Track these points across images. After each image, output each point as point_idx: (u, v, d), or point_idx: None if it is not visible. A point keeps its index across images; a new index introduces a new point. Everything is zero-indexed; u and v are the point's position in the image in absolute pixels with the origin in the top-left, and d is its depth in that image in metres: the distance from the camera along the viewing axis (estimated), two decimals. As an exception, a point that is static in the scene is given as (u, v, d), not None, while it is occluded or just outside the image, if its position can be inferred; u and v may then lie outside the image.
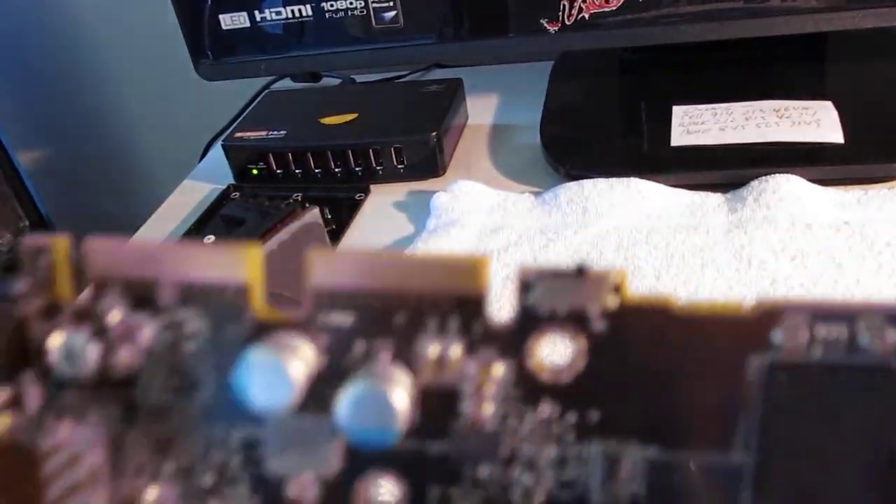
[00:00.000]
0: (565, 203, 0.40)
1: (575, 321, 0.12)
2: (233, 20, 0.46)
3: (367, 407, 0.12)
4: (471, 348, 0.12)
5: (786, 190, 0.37)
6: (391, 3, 0.44)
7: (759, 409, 0.12)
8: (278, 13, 0.46)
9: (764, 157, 0.40)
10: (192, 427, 0.13)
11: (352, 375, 0.12)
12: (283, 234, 0.33)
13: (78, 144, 0.84)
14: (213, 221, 0.46)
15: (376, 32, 0.45)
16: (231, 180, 0.50)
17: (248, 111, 0.55)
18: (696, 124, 0.43)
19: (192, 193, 0.51)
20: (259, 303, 0.12)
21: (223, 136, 0.51)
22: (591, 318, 0.12)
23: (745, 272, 0.34)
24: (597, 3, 0.41)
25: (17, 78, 0.80)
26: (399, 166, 0.47)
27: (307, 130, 0.50)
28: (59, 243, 0.12)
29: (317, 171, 0.48)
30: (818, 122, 0.41)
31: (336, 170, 0.48)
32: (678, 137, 0.43)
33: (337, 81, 0.63)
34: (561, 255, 0.36)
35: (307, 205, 0.45)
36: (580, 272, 0.12)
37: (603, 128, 0.47)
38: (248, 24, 0.46)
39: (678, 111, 0.44)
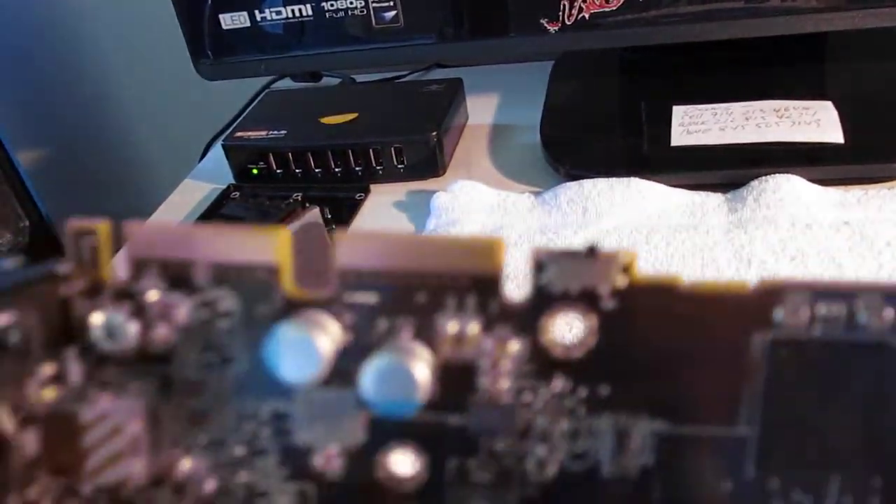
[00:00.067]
0: (565, 203, 0.40)
1: (586, 300, 0.12)
2: (233, 20, 0.46)
3: (390, 379, 0.12)
4: (487, 326, 0.13)
5: (786, 190, 0.37)
6: (391, 3, 0.44)
7: (762, 384, 0.13)
8: (278, 13, 0.46)
9: (764, 157, 0.40)
10: (224, 400, 0.13)
11: (375, 351, 0.12)
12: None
13: (78, 144, 0.84)
14: (214, 221, 0.46)
15: (376, 32, 0.45)
16: (231, 180, 0.50)
17: (248, 111, 0.55)
18: (696, 124, 0.43)
19: (193, 193, 0.51)
20: (288, 282, 0.13)
21: (223, 136, 0.51)
22: (601, 296, 0.12)
23: (745, 272, 0.34)
24: (597, 3, 0.42)
25: (18, 78, 0.80)
26: (399, 166, 0.47)
27: (307, 130, 0.50)
28: (102, 227, 0.12)
29: (317, 170, 0.48)
30: (818, 122, 0.41)
31: (336, 169, 0.48)
32: (678, 137, 0.43)
33: (337, 81, 0.63)
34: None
35: (307, 205, 0.45)
36: (591, 253, 0.12)
37: (603, 128, 0.47)
38: (248, 24, 0.46)
39: (678, 111, 0.44)
